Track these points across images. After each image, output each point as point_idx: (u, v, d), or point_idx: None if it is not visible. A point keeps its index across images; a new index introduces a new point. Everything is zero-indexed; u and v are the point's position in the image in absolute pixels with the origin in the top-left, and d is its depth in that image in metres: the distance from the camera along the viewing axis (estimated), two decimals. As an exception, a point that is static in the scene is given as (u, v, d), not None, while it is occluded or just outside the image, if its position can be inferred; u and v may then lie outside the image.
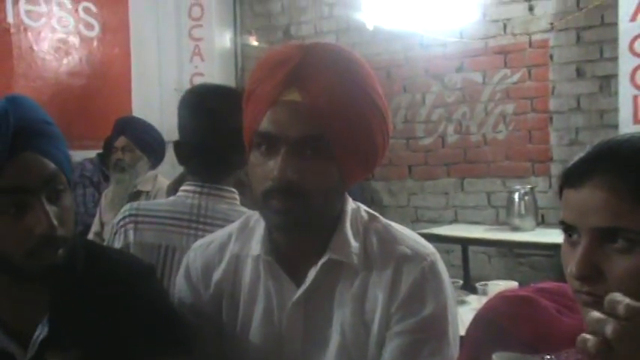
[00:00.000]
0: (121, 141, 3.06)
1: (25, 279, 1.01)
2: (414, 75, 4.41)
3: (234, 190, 1.57)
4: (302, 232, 1.04)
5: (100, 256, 1.12)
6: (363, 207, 1.13)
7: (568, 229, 0.85)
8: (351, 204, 1.11)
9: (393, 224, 1.11)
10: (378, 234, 1.09)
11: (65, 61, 4.02)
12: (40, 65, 3.87)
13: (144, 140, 3.06)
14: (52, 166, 0.98)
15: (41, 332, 1.02)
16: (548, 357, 0.84)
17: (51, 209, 0.96)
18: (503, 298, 1.01)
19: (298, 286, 1.05)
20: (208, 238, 1.21)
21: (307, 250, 1.06)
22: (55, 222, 0.95)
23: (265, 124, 0.99)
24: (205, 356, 1.09)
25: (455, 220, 4.30)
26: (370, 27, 4.33)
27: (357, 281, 1.05)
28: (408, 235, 1.10)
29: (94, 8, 4.09)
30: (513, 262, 4.10)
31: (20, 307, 1.04)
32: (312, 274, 1.04)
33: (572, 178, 0.85)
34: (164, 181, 3.01)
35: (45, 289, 1.03)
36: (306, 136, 0.97)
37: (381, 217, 1.13)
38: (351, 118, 0.99)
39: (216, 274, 1.13)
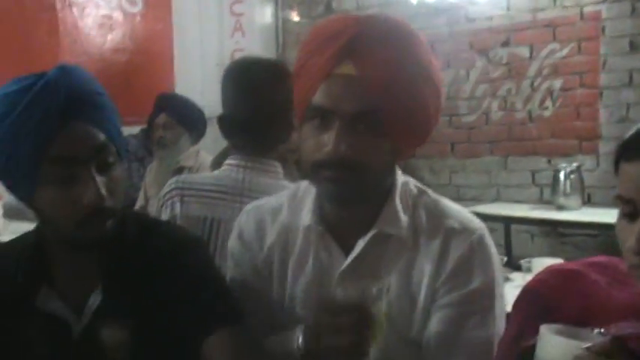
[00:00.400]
0: (162, 118, 3.09)
1: (75, 249, 1.04)
2: (458, 50, 4.32)
3: (277, 163, 1.58)
4: (352, 203, 1.05)
5: (152, 227, 1.13)
6: (413, 181, 1.14)
7: (626, 203, 0.83)
8: (400, 178, 1.11)
9: (442, 199, 1.12)
10: (426, 208, 1.09)
11: (109, 37, 4.07)
12: (85, 41, 3.93)
13: (185, 116, 3.09)
14: (103, 136, 0.99)
15: (95, 301, 1.05)
16: (598, 330, 0.85)
17: (100, 180, 0.97)
18: (551, 271, 1.01)
19: (347, 256, 1.07)
20: (260, 201, 1.23)
21: (357, 222, 1.07)
22: (105, 193, 0.96)
23: (319, 98, 0.99)
24: (257, 319, 1.11)
25: (497, 199, 4.23)
26: (414, 1, 4.25)
27: (405, 254, 1.06)
28: (457, 209, 1.10)
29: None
30: (556, 242, 4.03)
31: (75, 277, 1.07)
32: (360, 244, 1.06)
33: (630, 150, 0.83)
34: (206, 157, 3.04)
35: (99, 258, 1.05)
36: (360, 111, 0.97)
37: (430, 192, 1.13)
38: (407, 92, 0.99)
39: (269, 238, 1.15)
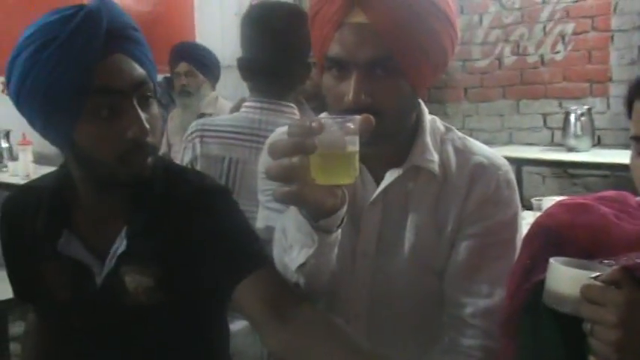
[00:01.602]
0: (184, 67, 3.16)
1: (116, 187, 1.00)
2: (471, -4, 4.37)
3: (294, 105, 1.62)
4: (380, 144, 1.03)
5: (179, 174, 1.10)
6: (438, 119, 1.15)
7: (636, 142, 0.84)
8: (427, 115, 1.12)
9: (468, 137, 1.14)
10: (454, 144, 1.11)
11: (131, -12, 4.14)
12: (107, -8, 4.00)
13: (204, 64, 3.16)
14: (142, 71, 0.96)
15: (119, 245, 1.02)
16: (607, 261, 0.85)
17: (142, 115, 0.94)
18: (561, 205, 1.01)
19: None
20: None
21: (388, 157, 1.08)
22: (148, 127, 0.94)
23: (334, 49, 0.99)
24: None
25: (510, 142, 4.33)
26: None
27: (434, 187, 1.08)
28: (483, 146, 1.13)
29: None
30: (567, 183, 4.14)
31: (99, 221, 1.05)
32: (391, 176, 1.07)
33: None
34: (225, 103, 3.11)
35: (124, 203, 1.03)
36: (375, 57, 0.97)
37: (456, 130, 1.15)
38: (419, 32, 0.98)
39: None
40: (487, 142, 4.00)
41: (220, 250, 1.01)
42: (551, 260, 0.84)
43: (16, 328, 2.59)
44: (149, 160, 0.97)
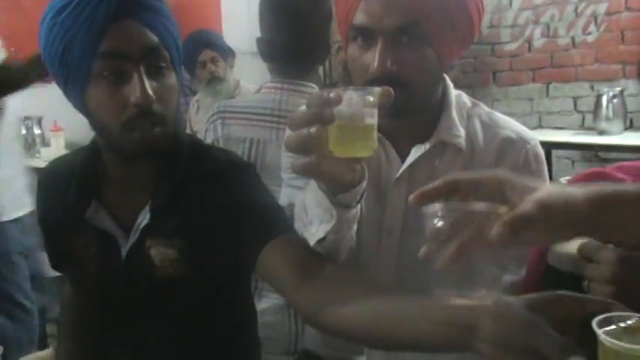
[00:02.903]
0: (208, 54, 3.17)
1: (124, 157, 1.02)
2: (499, -22, 4.31)
3: (314, 85, 1.62)
4: (406, 116, 1.04)
5: (203, 150, 1.12)
6: (465, 94, 1.14)
7: None
8: (453, 90, 1.12)
9: (495, 112, 1.13)
10: (481, 119, 1.10)
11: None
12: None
13: (225, 49, 3.22)
14: (155, 38, 0.96)
15: (144, 218, 1.03)
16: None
17: (150, 83, 0.94)
18: (580, 174, 1.05)
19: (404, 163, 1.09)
20: None
21: (415, 131, 1.08)
22: (152, 95, 0.93)
23: (359, 17, 0.99)
24: None
25: (539, 126, 4.27)
26: None
27: (461, 162, 1.07)
28: (511, 121, 1.12)
29: None
30: (598, 167, 4.07)
31: (125, 194, 1.06)
32: (417, 152, 1.07)
33: None
34: (248, 86, 3.14)
35: (149, 176, 1.05)
36: (400, 24, 0.96)
37: (483, 105, 1.14)
38: (445, 0, 0.98)
39: None
40: (516, 126, 3.82)
41: (245, 220, 1.01)
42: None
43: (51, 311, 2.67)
44: (157, 129, 0.96)
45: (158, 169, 1.04)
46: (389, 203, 1.09)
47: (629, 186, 0.68)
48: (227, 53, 3.22)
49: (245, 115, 1.60)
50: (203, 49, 3.20)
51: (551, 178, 3.66)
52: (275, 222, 1.02)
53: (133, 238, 1.04)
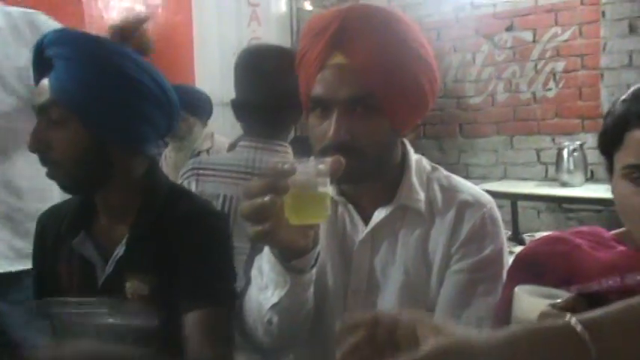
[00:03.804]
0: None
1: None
2: (464, 35, 4.48)
3: (287, 144, 1.67)
4: (363, 181, 1.09)
5: (184, 194, 1.23)
6: (425, 158, 1.19)
7: (636, 171, 0.88)
8: (413, 155, 1.16)
9: (453, 175, 1.18)
10: (440, 183, 1.15)
11: (132, 28, 4.23)
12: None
13: (195, 105, 3.19)
14: (48, 96, 1.09)
15: (119, 252, 1.12)
16: (575, 287, 0.89)
17: (45, 133, 1.10)
18: (539, 239, 1.08)
19: (367, 226, 1.13)
20: None
21: (376, 196, 1.12)
22: (38, 144, 1.10)
23: (317, 89, 1.04)
24: None
25: (504, 177, 4.38)
26: (421, -12, 4.40)
27: (421, 225, 1.11)
28: (468, 184, 1.17)
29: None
30: (562, 217, 4.18)
31: (110, 227, 1.16)
32: (379, 215, 1.11)
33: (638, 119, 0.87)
34: (222, 140, 3.16)
35: (130, 213, 1.15)
36: (354, 96, 1.01)
37: (442, 169, 1.19)
38: (397, 73, 1.02)
39: None
40: (482, 177, 4.06)
41: (185, 276, 1.09)
42: (516, 289, 0.87)
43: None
44: (51, 172, 1.13)
45: (138, 207, 1.14)
46: (354, 264, 1.12)
47: (525, 329, 0.67)
48: (197, 109, 3.22)
49: (219, 172, 1.63)
50: None
51: (517, 228, 3.80)
52: (209, 291, 1.09)
53: (109, 268, 1.12)
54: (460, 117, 4.56)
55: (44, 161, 1.14)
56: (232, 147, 1.93)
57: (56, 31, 1.14)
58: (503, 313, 0.96)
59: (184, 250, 1.11)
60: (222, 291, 1.11)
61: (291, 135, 1.78)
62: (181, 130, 3.15)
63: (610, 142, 0.95)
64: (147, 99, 1.14)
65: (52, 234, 1.21)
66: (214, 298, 1.09)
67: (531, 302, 0.85)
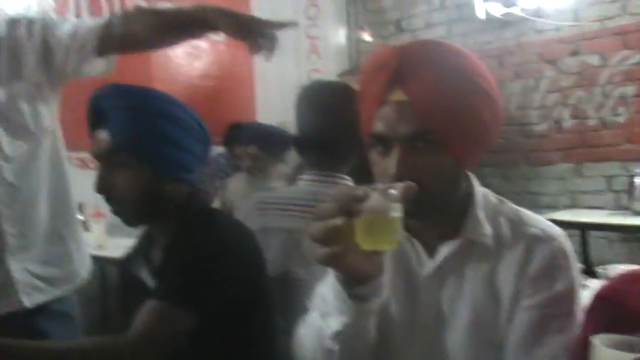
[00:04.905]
0: (253, 149, 3.32)
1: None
2: (526, 61, 4.40)
3: (348, 177, 1.68)
4: (428, 218, 1.07)
5: (207, 216, 1.37)
6: (490, 191, 1.18)
7: None
8: (479, 187, 1.14)
9: (522, 209, 1.14)
10: (508, 216, 1.12)
11: (196, 64, 4.37)
12: (175, 70, 4.22)
13: (274, 146, 3.32)
14: (110, 142, 1.26)
15: (155, 261, 1.32)
16: None
17: (109, 176, 1.26)
18: (619, 276, 1.03)
19: (431, 260, 1.11)
20: None
21: (440, 230, 1.11)
22: (104, 186, 1.27)
23: (377, 125, 1.04)
24: None
25: (573, 206, 4.24)
26: (482, 16, 4.37)
27: (489, 260, 1.08)
28: (537, 217, 1.13)
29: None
30: (636, 247, 4.00)
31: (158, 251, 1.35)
32: (445, 250, 1.09)
33: None
34: (282, 170, 3.26)
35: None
36: (415, 132, 1.01)
37: (508, 202, 1.16)
38: (457, 108, 1.02)
39: None
40: (549, 206, 3.93)
41: (168, 271, 1.25)
42: (592, 340, 0.83)
43: None
44: (111, 209, 1.30)
45: (172, 232, 1.31)
46: (421, 299, 1.11)
47: None
48: (275, 149, 3.32)
49: (282, 205, 1.65)
50: (250, 144, 3.35)
51: (588, 259, 3.65)
52: (168, 287, 1.21)
53: (151, 279, 1.31)
54: (524, 144, 4.46)
55: (110, 200, 1.30)
56: (292, 180, 1.97)
57: (109, 87, 1.30)
58: (579, 357, 0.92)
59: (182, 254, 1.24)
60: (191, 293, 1.20)
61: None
62: (257, 169, 3.28)
63: None
64: (188, 132, 1.31)
65: (127, 267, 1.42)
66: (176, 295, 1.19)
67: (609, 356, 0.79)
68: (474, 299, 1.08)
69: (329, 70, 4.79)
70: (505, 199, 1.17)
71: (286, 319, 1.40)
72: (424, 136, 1.01)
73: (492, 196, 1.16)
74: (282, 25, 1.54)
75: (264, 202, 1.68)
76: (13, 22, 1.64)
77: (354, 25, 5.27)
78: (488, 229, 1.10)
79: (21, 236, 1.65)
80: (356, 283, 0.91)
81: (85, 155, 3.40)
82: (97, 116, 1.29)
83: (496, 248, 1.09)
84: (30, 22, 1.64)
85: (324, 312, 0.99)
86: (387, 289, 1.01)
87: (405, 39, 5.05)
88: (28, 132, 1.66)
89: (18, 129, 1.64)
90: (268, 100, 4.63)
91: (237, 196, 3.41)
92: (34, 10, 3.58)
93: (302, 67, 4.88)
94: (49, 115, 1.71)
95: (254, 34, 1.53)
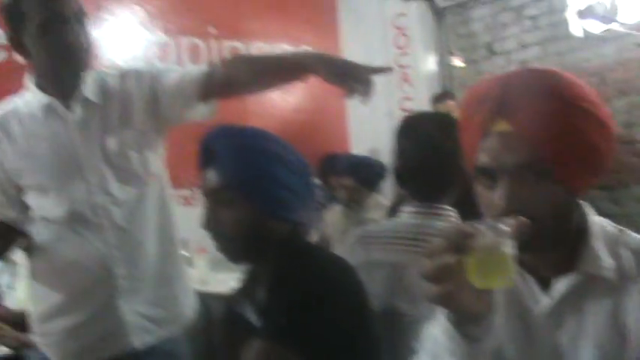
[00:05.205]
0: (349, 181, 3.35)
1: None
2: (630, 77, 4.19)
3: (451, 208, 1.64)
4: (541, 251, 1.03)
5: (305, 255, 1.36)
6: (607, 220, 1.12)
7: None
8: (594, 217, 1.11)
9: None
10: (630, 247, 1.07)
11: (289, 99, 4.46)
12: (269, 104, 4.32)
13: (370, 179, 3.34)
14: (218, 181, 1.29)
15: (259, 300, 1.32)
16: None
17: (216, 213, 1.29)
18: None
19: (546, 296, 1.08)
20: None
21: (553, 264, 1.07)
22: (211, 223, 1.31)
23: (481, 158, 1.01)
24: None
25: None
26: (579, 34, 4.21)
27: (611, 294, 1.03)
28: None
29: (309, 48, 4.49)
30: None
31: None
32: (562, 286, 1.05)
33: None
34: (381, 201, 3.26)
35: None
36: (522, 163, 0.97)
37: (629, 231, 1.11)
38: (567, 135, 0.97)
39: None
40: (666, 229, 3.56)
41: (273, 311, 1.26)
42: None
43: None
44: (217, 245, 1.34)
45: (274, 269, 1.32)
46: (539, 338, 1.06)
47: None
48: (371, 182, 3.35)
49: (385, 239, 1.64)
50: (347, 175, 3.38)
51: None
52: (274, 326, 1.22)
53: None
54: (635, 164, 4.20)
55: (216, 237, 1.33)
56: (393, 212, 1.96)
57: (219, 128, 1.35)
58: None
59: (286, 292, 1.25)
60: (297, 332, 1.20)
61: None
62: (353, 202, 3.31)
63: None
64: (292, 171, 1.32)
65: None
66: (282, 335, 1.20)
67: None
68: (597, 338, 1.02)
69: (420, 98, 4.76)
70: (625, 229, 1.11)
71: (391, 354, 1.39)
72: (532, 166, 0.97)
73: (610, 226, 1.10)
74: (377, 70, 1.57)
75: (367, 236, 1.67)
76: (124, 76, 1.75)
77: (444, 51, 5.23)
78: (608, 261, 1.04)
79: (132, 279, 1.71)
80: (467, 322, 0.89)
81: (189, 193, 3.57)
82: (206, 156, 1.33)
83: (619, 281, 1.03)
84: (139, 74, 1.75)
85: (434, 353, 0.96)
86: (499, 328, 0.98)
87: (497, 62, 4.95)
88: (136, 177, 1.74)
89: (127, 175, 1.73)
90: (361, 130, 4.66)
91: (334, 228, 3.44)
92: (139, 57, 3.81)
93: (393, 96, 4.88)
94: (156, 159, 1.79)
95: (350, 78, 1.55)
